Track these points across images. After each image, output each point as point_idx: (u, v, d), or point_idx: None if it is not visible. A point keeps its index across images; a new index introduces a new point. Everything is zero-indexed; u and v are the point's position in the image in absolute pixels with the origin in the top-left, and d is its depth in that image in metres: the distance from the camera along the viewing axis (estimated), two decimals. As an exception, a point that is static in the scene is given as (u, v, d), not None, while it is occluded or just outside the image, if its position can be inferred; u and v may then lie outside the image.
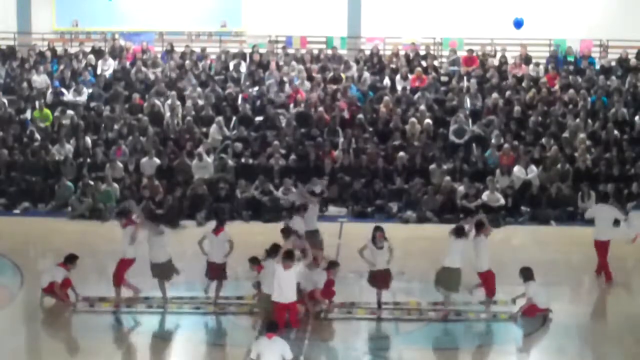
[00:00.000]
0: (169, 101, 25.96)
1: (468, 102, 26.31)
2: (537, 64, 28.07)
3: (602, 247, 17.77)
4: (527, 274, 15.34)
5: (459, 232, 15.24)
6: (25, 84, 27.51)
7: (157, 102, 25.97)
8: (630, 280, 18.66)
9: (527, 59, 28.20)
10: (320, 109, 25.42)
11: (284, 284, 14.05)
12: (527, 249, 19.47)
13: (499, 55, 28.52)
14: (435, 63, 28.63)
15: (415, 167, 23.68)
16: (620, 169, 23.22)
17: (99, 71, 28.28)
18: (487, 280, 15.46)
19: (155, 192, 22.55)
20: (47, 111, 26.00)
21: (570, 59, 28.51)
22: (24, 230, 21.32)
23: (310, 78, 27.42)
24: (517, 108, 25.39)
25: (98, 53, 29.39)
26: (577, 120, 24.87)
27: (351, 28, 30.49)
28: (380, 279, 15.41)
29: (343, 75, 27.48)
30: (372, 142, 24.27)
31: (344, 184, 23.15)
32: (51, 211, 22.78)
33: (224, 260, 15.59)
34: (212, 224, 16.22)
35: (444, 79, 27.69)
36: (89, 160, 24.15)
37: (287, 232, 15.62)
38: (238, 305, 15.70)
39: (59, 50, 29.84)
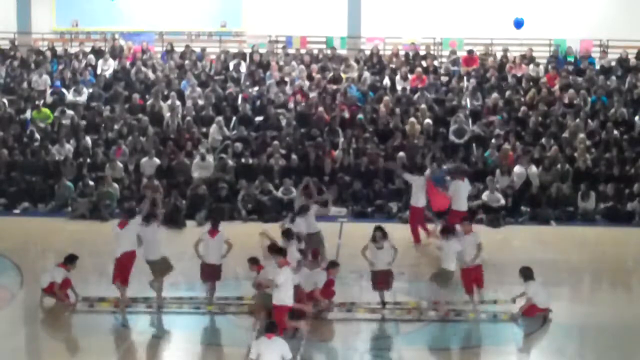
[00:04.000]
0: (169, 101, 25.98)
1: (468, 102, 26.32)
2: (537, 64, 28.08)
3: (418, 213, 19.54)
4: (527, 274, 15.34)
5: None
6: (25, 84, 27.52)
7: (161, 102, 25.99)
8: (630, 280, 18.66)
9: (527, 59, 28.19)
10: (320, 109, 25.42)
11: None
12: (527, 249, 19.46)
13: (499, 55, 28.54)
14: (435, 63, 28.64)
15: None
16: (620, 169, 23.21)
17: (99, 71, 28.28)
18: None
19: (156, 192, 22.53)
20: (47, 111, 26.00)
21: (570, 59, 28.52)
22: (24, 230, 21.31)
23: (310, 78, 27.43)
24: (522, 108, 25.37)
25: (98, 53, 29.39)
26: (577, 120, 24.86)
27: (351, 28, 30.50)
28: (380, 279, 15.44)
29: (343, 75, 27.50)
30: (372, 142, 24.26)
31: (344, 184, 23.14)
32: (51, 211, 22.76)
33: (220, 262, 15.57)
34: (208, 225, 16.20)
35: (444, 79, 27.70)
36: (89, 160, 24.14)
37: (288, 234, 15.57)
38: (238, 305, 15.70)
39: (59, 50, 29.84)
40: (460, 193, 19.63)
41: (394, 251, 15.40)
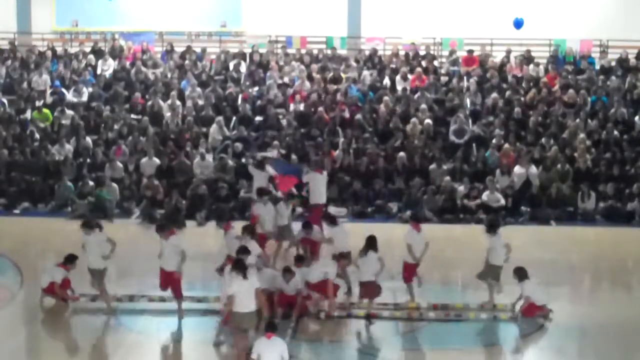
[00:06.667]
0: (169, 101, 25.98)
1: (468, 102, 26.32)
2: (537, 64, 28.08)
3: None
4: (521, 274, 15.30)
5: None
6: (25, 84, 27.52)
7: (161, 102, 26.01)
8: (630, 280, 18.66)
9: (527, 59, 28.21)
10: (320, 109, 25.43)
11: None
12: (527, 249, 19.43)
13: (500, 55, 28.53)
14: (435, 63, 28.65)
15: (415, 167, 23.68)
16: (620, 169, 23.22)
17: (99, 71, 28.29)
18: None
19: (156, 192, 22.55)
20: (47, 111, 26.00)
21: (570, 59, 28.51)
22: (24, 230, 21.32)
23: (310, 78, 27.43)
24: (517, 109, 25.39)
25: (98, 53, 29.40)
26: (577, 120, 24.87)
27: (351, 28, 30.52)
28: (364, 289, 15.33)
29: (343, 75, 27.50)
30: (372, 142, 24.26)
31: (344, 184, 23.14)
32: (51, 211, 22.77)
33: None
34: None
35: (444, 79, 27.70)
36: (89, 160, 24.15)
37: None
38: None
39: (59, 50, 29.85)
40: (316, 186, 19.49)
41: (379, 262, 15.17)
